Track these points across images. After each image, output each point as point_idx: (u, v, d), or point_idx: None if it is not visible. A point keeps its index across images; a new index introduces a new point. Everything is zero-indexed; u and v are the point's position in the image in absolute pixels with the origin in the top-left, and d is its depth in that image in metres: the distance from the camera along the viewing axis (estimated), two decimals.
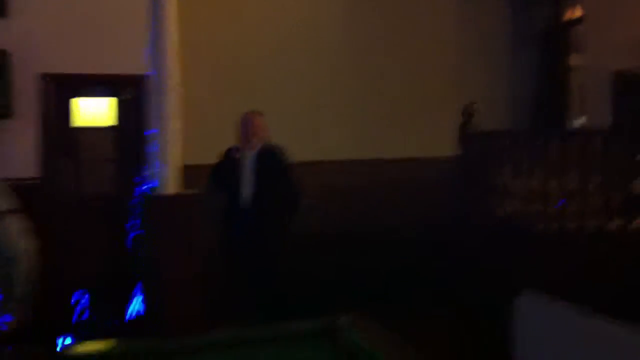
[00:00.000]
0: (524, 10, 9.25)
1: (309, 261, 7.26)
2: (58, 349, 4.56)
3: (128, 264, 6.48)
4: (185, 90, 7.25)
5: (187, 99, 7.27)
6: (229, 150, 6.21)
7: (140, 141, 6.84)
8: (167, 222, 5.29)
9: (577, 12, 8.97)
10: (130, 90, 7.36)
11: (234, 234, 6.17)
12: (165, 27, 5.36)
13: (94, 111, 7.70)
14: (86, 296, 6.15)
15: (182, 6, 5.72)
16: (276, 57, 8.25)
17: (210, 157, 6.29)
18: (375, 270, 7.37)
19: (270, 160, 6.19)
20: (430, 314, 5.95)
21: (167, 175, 5.40)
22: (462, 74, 8.92)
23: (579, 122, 9.12)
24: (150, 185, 5.68)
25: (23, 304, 3.17)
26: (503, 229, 5.65)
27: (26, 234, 3.22)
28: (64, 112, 7.18)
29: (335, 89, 8.58)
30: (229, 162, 6.18)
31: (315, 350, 3.07)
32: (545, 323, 4.81)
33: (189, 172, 6.41)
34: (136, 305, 5.81)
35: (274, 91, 8.08)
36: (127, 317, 5.94)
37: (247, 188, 6.12)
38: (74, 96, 7.25)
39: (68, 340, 4.83)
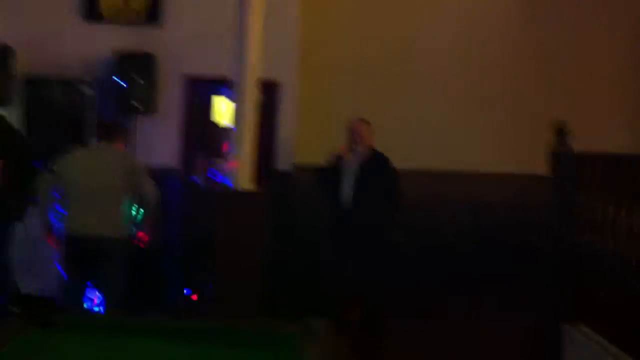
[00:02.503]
0: None
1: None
2: None
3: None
4: (305, 91, 7.84)
5: (303, 100, 7.87)
6: (333, 157, 6.64)
7: (268, 142, 7.56)
8: (223, 215, 5.79)
9: None
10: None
11: (336, 234, 6.65)
12: (246, 29, 5.75)
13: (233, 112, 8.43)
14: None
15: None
16: (400, 58, 8.54)
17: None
18: None
19: (375, 168, 6.52)
20: None
21: (236, 171, 5.79)
22: None
23: None
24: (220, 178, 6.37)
25: (152, 227, 5.53)
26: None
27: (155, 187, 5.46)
28: (203, 111, 7.98)
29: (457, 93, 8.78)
30: (334, 167, 6.62)
31: (261, 351, 3.05)
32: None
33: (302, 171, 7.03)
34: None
35: (394, 94, 8.43)
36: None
37: (347, 193, 6.48)
38: (213, 97, 8.03)
39: None
